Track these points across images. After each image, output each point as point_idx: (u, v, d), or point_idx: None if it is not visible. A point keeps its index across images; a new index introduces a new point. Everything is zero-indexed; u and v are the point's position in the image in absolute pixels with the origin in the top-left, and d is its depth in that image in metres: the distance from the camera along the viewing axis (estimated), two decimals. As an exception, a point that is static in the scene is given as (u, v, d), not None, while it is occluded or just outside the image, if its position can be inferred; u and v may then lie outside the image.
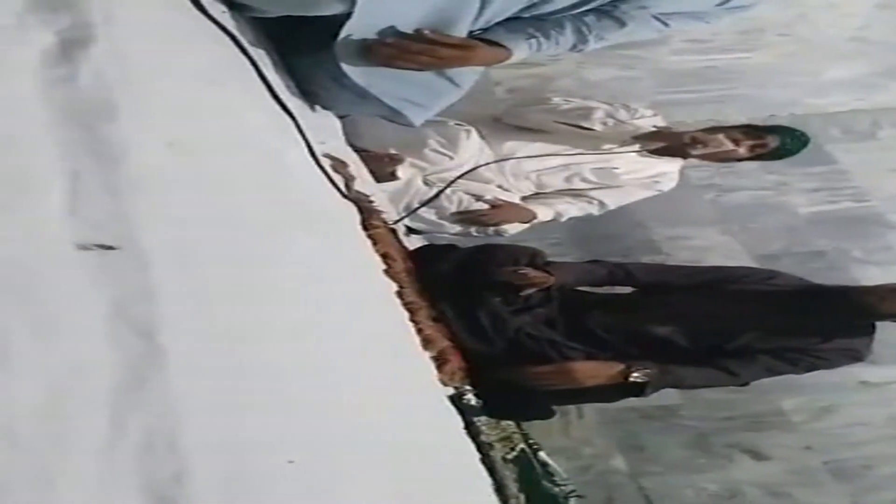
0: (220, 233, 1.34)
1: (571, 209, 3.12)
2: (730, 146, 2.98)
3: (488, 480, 1.95)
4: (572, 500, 2.37)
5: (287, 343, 1.34)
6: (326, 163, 2.05)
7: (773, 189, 3.98)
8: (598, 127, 3.04)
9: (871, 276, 3.54)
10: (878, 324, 2.49)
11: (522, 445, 2.24)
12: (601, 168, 3.04)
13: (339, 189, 2.05)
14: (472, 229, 3.01)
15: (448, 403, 2.02)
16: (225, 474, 1.00)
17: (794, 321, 2.48)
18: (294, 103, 1.99)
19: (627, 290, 2.70)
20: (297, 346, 1.37)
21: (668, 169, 3.11)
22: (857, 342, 2.49)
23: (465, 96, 2.29)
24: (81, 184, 1.11)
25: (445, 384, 2.08)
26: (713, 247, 3.77)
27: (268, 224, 1.54)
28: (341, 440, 1.31)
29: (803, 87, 4.02)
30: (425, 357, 2.07)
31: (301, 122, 1.93)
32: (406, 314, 2.08)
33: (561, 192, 3.11)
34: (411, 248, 2.59)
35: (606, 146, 3.03)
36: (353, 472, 1.29)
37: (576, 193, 3.11)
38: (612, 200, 3.13)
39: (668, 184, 3.15)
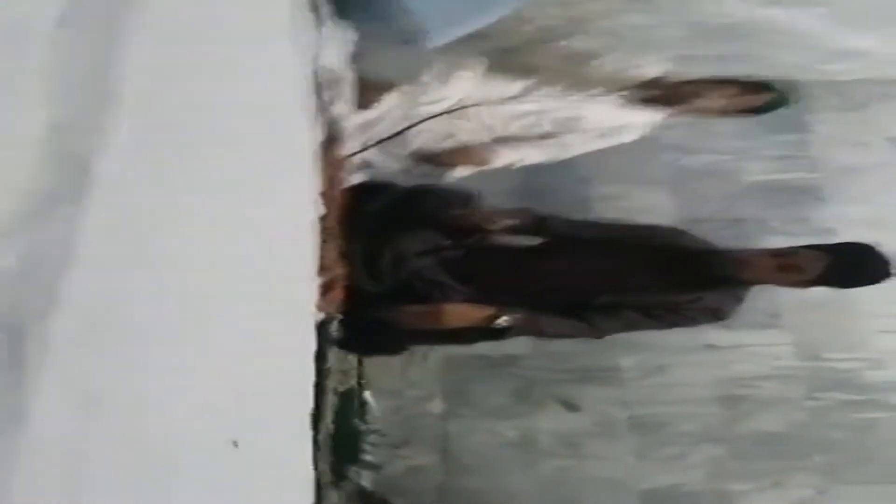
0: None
1: (534, 154, 3.02)
2: (721, 102, 2.95)
3: (310, 406, 2.04)
4: (372, 436, 2.57)
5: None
6: (322, 78, 2.13)
7: (733, 154, 3.94)
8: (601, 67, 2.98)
9: (773, 244, 3.37)
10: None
11: (354, 382, 2.40)
12: (567, 117, 2.96)
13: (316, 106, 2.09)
14: (418, 169, 2.91)
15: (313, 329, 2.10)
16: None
17: (672, 278, 2.58)
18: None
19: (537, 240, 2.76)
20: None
21: (636, 121, 3.01)
22: (725, 303, 2.59)
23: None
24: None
25: (321, 310, 2.18)
26: (646, 208, 3.74)
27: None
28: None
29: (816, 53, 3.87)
30: (315, 282, 2.15)
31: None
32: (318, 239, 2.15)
33: (519, 139, 3.01)
34: (355, 181, 2.62)
35: (595, 90, 2.96)
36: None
37: (536, 139, 3.01)
38: (570, 149, 3.04)
39: (629, 136, 3.03)
